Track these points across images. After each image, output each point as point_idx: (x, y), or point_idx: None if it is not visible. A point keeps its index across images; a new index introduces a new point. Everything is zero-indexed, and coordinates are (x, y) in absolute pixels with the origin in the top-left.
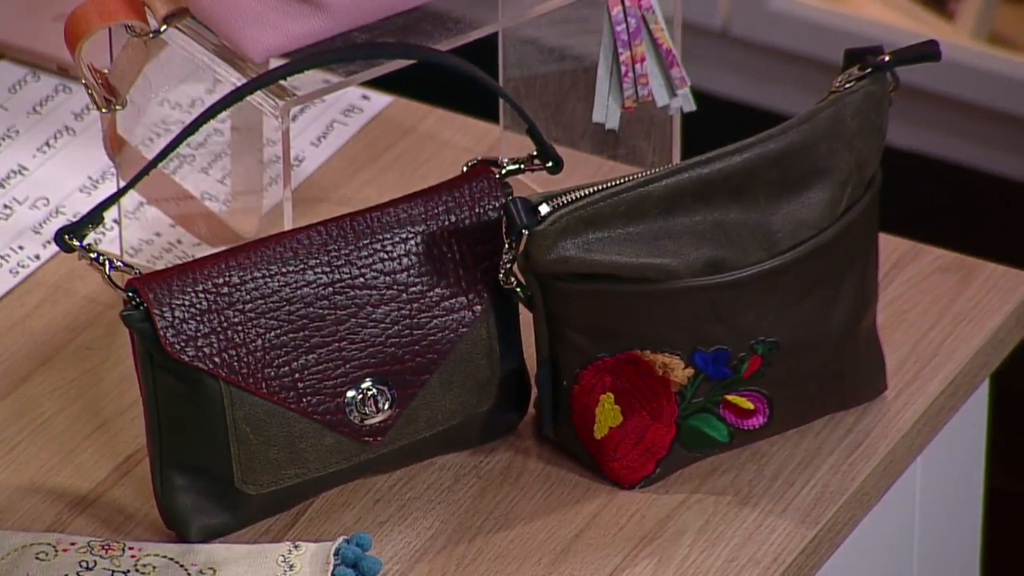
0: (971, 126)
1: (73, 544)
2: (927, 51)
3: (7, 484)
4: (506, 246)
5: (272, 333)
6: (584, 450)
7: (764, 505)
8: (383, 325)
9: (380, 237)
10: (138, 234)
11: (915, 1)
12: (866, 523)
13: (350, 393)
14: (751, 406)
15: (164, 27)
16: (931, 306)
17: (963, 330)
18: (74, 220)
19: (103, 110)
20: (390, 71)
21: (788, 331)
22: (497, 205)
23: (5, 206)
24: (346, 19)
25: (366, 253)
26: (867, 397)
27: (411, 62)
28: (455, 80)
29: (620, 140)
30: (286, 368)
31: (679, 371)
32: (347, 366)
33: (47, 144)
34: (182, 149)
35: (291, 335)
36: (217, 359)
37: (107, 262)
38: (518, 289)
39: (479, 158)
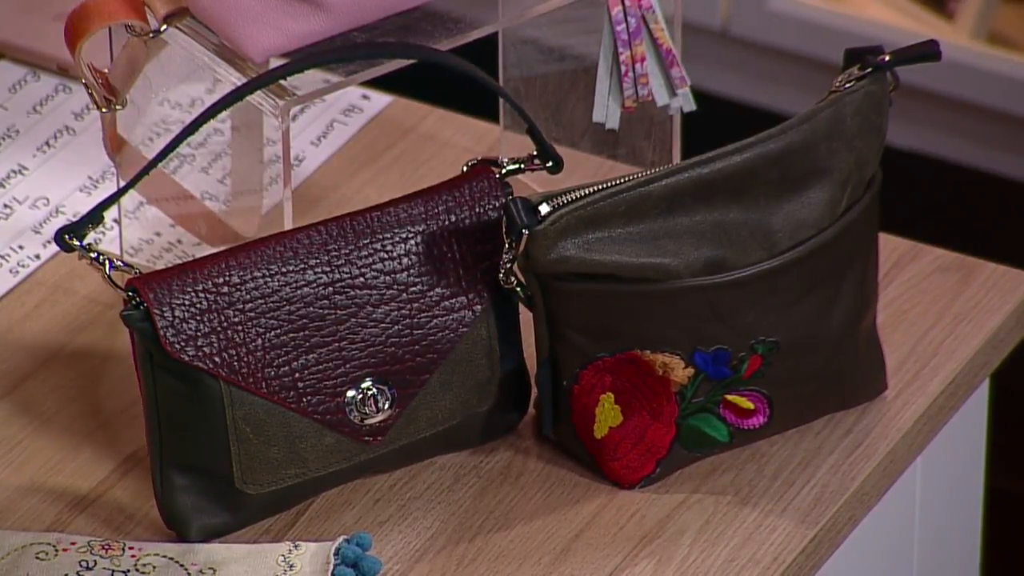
0: (971, 126)
1: (73, 544)
2: (927, 51)
3: (7, 484)
4: (506, 246)
5: (272, 333)
6: (584, 450)
7: (764, 505)
8: (383, 325)
9: (380, 237)
10: (138, 234)
11: (915, 1)
12: (866, 523)
13: (350, 393)
14: (751, 406)
15: (164, 27)
16: (931, 306)
17: (963, 330)
18: (74, 220)
19: (103, 110)
20: (390, 71)
21: (788, 331)
22: (497, 205)
23: (5, 206)
24: (346, 19)
25: (366, 253)
26: (867, 397)
27: (411, 62)
28: (455, 80)
29: (620, 140)
30: (286, 368)
31: (679, 371)
32: (347, 366)
33: (47, 144)
34: (182, 149)
35: (291, 335)
36: (217, 359)
37: (107, 262)
38: (518, 289)
39: (479, 158)
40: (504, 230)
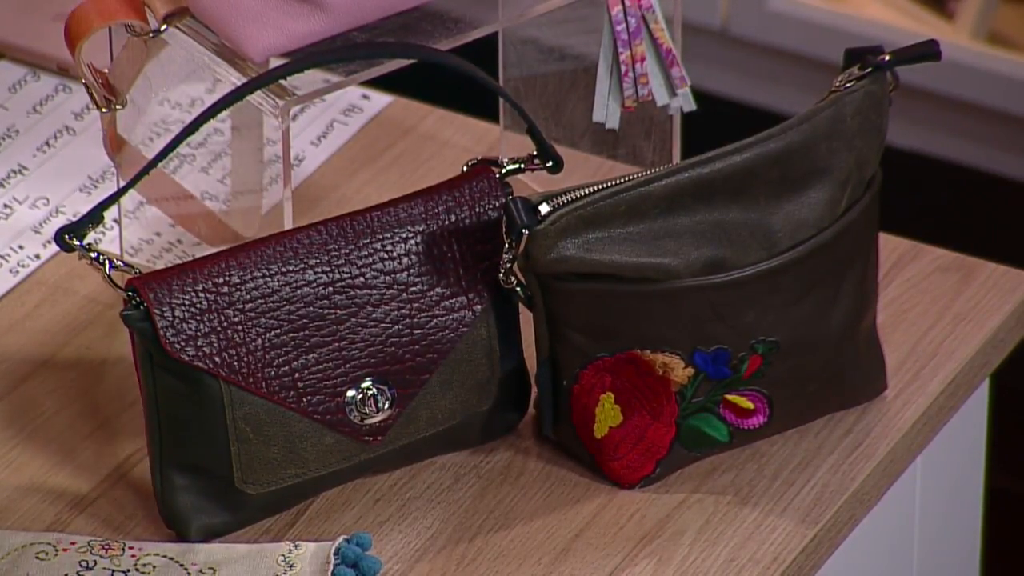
0: (971, 126)
1: (73, 544)
2: (927, 51)
3: (7, 484)
4: (506, 246)
5: (272, 332)
6: (584, 450)
7: (764, 505)
8: (383, 325)
9: (380, 237)
10: (138, 234)
11: (915, 1)
12: (866, 523)
13: (350, 393)
14: (751, 406)
15: (164, 27)
16: (931, 306)
17: (963, 330)
18: (74, 220)
19: (103, 110)
20: (390, 71)
21: (788, 331)
22: (497, 205)
23: (5, 206)
24: (346, 19)
25: (366, 253)
26: (867, 397)
27: (411, 62)
28: (455, 80)
29: (620, 140)
30: (286, 368)
31: (679, 371)
32: (347, 366)
33: (47, 144)
34: (182, 149)
35: (291, 335)
36: (217, 359)
37: (107, 262)
38: (518, 289)
39: (479, 158)
40: (504, 230)
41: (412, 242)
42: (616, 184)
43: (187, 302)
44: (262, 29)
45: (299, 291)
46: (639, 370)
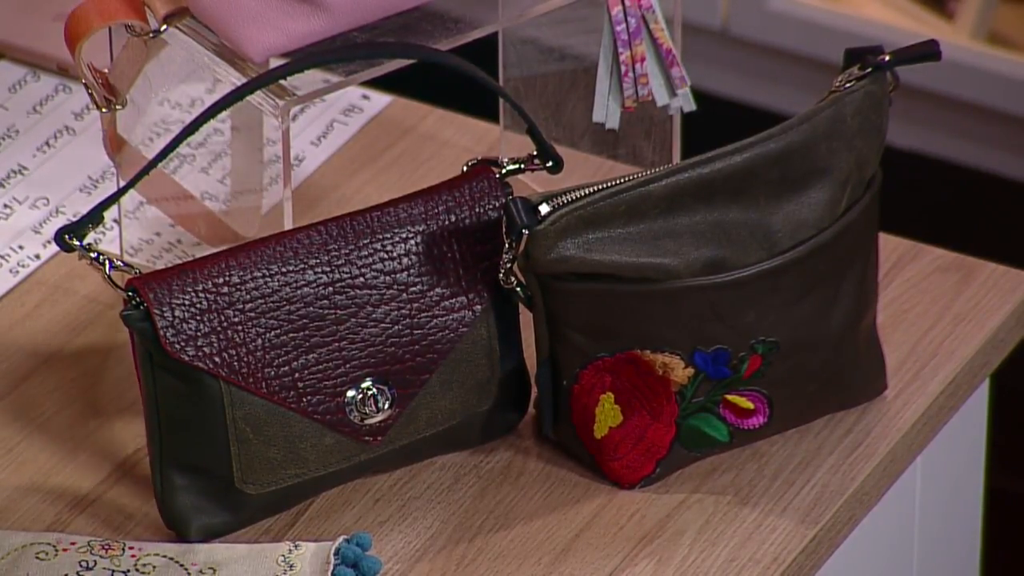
0: (971, 126)
1: (73, 544)
2: (927, 51)
3: (7, 484)
4: (506, 246)
5: (272, 333)
6: (584, 450)
7: (764, 505)
8: (383, 325)
9: (380, 237)
10: (138, 234)
11: (915, 1)
12: (866, 523)
13: (350, 393)
14: (751, 406)
15: (164, 27)
16: (931, 306)
17: (963, 330)
18: (74, 220)
19: (103, 110)
20: (390, 71)
21: (788, 331)
22: (497, 205)
23: (5, 206)
24: (346, 19)
25: (366, 253)
26: (867, 397)
27: (411, 62)
28: (455, 80)
29: (620, 140)
30: (286, 368)
31: (679, 371)
32: (347, 366)
33: (47, 144)
34: (182, 149)
35: (291, 335)
36: (217, 359)
37: (107, 262)
38: (518, 289)
39: (479, 158)
40: (504, 230)
41: (412, 242)
42: (616, 184)
43: (187, 302)
44: (262, 29)
45: (299, 291)
46: (639, 370)
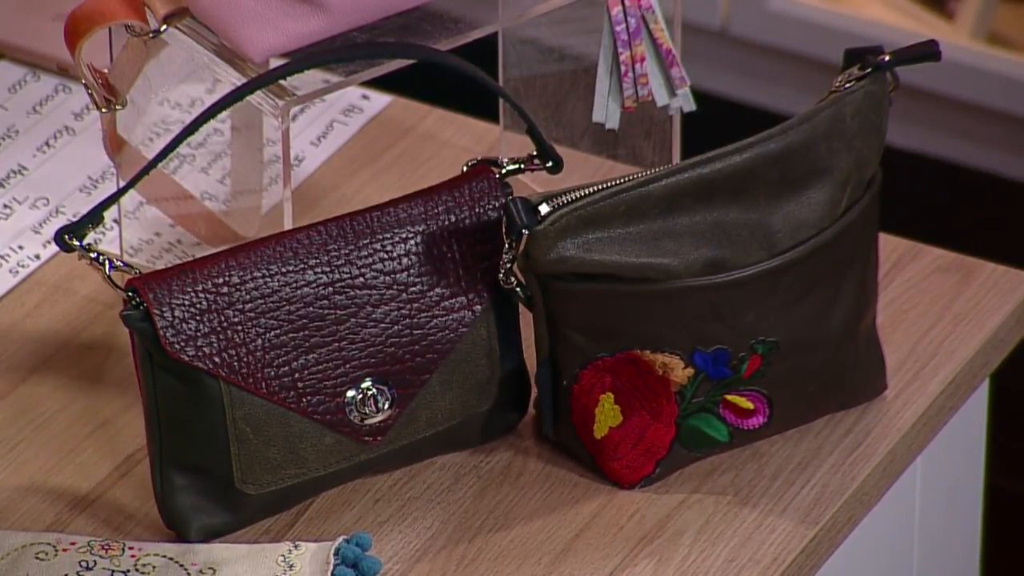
0: (971, 126)
1: (73, 544)
2: (927, 51)
3: (7, 484)
4: (506, 246)
5: (272, 333)
6: (584, 450)
7: (764, 505)
8: (383, 325)
9: (380, 237)
10: (138, 234)
11: (915, 1)
12: (866, 523)
13: (350, 393)
14: (751, 406)
15: (164, 27)
16: (931, 306)
17: (963, 330)
18: (74, 220)
19: (103, 110)
20: (390, 71)
21: (788, 331)
22: (497, 205)
23: (5, 206)
24: (346, 19)
25: (366, 253)
26: (867, 397)
27: (411, 62)
28: (455, 80)
29: (620, 140)
30: (286, 368)
31: (679, 371)
32: (347, 366)
33: (47, 144)
34: (182, 149)
35: (291, 335)
36: (217, 359)
37: (107, 262)
38: (518, 289)
39: (479, 158)
40: (504, 230)
41: (412, 242)
42: (616, 184)
43: (187, 302)
44: (262, 29)
45: (299, 291)
46: (639, 370)
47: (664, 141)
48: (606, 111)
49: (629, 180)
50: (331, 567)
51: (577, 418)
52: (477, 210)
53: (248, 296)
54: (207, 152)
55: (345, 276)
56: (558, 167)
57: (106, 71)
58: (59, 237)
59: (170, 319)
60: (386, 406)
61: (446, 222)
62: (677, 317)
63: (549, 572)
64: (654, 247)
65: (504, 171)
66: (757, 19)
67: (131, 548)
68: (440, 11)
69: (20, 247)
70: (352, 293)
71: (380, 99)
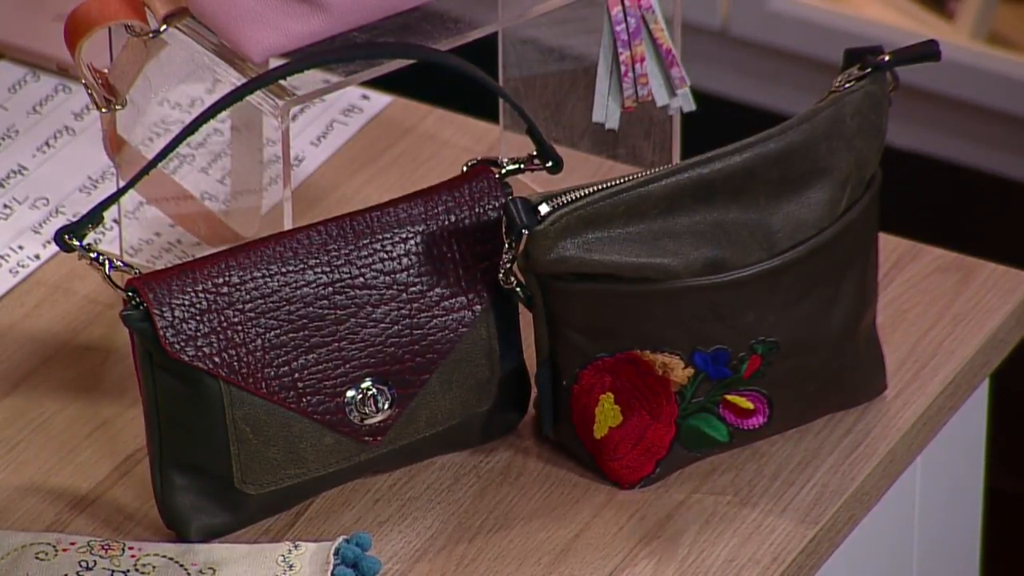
0: (971, 126)
1: (73, 544)
2: (927, 51)
3: (7, 484)
4: (506, 246)
5: (272, 333)
6: (584, 450)
7: (764, 505)
8: (383, 325)
9: (380, 237)
10: (138, 234)
11: (915, 1)
12: (866, 523)
13: (350, 393)
14: (751, 406)
15: (164, 27)
16: (931, 306)
17: (963, 330)
18: (74, 220)
19: (103, 110)
20: (390, 71)
21: (788, 331)
22: (497, 205)
23: (5, 206)
24: (346, 19)
25: (366, 253)
26: (867, 397)
27: (411, 62)
28: (455, 80)
29: (620, 140)
30: (286, 368)
31: (679, 371)
32: (347, 366)
33: (47, 144)
34: (182, 149)
35: (291, 335)
36: (217, 359)
37: (107, 262)
38: (518, 289)
39: (479, 158)
40: (504, 230)
41: (412, 242)
42: (616, 184)
43: (187, 302)
44: (262, 29)
45: (299, 291)
46: (639, 370)
47: (664, 141)
48: (606, 111)
49: (629, 180)
50: (331, 567)
51: (577, 418)
52: (477, 210)
53: (248, 296)
54: (207, 152)
55: (345, 276)
56: (558, 167)
57: (106, 71)
58: (59, 237)
59: (170, 319)
60: (386, 406)
61: (446, 222)
62: (677, 317)
63: (549, 572)
64: (654, 247)
65: (504, 171)
66: (757, 19)
67: (131, 548)
68: (440, 11)
69: (20, 247)
70: (352, 293)
71: (380, 99)
